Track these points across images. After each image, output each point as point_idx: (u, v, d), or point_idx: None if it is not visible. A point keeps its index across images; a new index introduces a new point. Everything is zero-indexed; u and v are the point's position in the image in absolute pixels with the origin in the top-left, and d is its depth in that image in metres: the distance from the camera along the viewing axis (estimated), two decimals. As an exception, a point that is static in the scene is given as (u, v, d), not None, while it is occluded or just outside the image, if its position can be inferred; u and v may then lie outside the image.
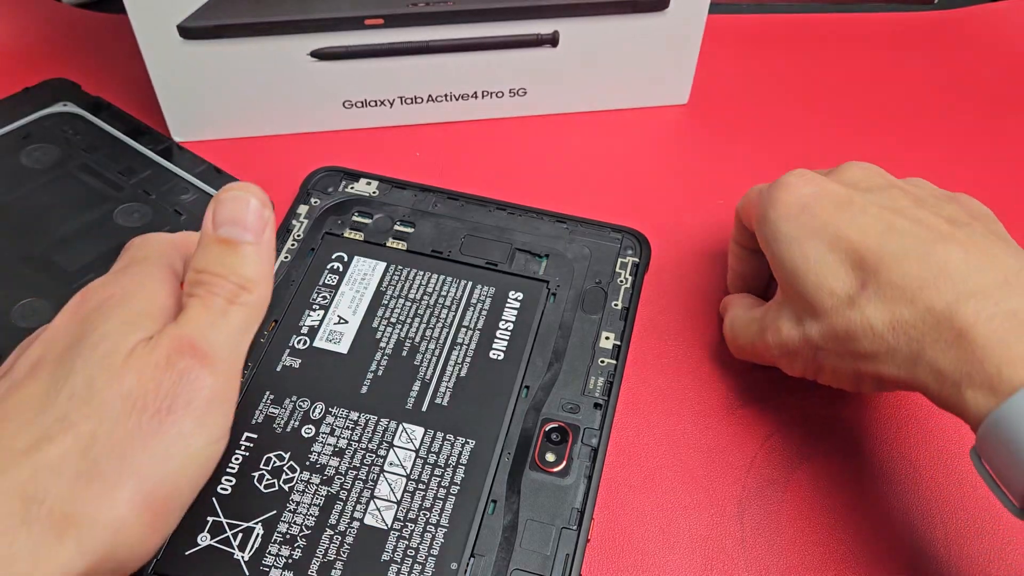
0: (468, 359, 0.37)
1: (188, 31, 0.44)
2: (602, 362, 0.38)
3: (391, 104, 0.49)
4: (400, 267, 0.40)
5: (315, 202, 0.43)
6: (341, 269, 0.40)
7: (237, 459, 0.34)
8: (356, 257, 0.41)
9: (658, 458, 0.37)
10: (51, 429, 0.24)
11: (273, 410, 0.35)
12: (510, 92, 0.49)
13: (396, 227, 0.42)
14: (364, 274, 0.40)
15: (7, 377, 0.26)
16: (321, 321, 0.38)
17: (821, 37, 0.57)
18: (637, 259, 0.41)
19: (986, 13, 0.60)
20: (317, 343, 0.37)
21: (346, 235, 0.42)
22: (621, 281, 0.40)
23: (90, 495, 0.23)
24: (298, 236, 0.41)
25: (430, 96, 0.49)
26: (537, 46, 0.47)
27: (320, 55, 0.46)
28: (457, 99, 0.49)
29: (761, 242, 0.35)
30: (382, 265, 0.40)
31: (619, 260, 0.41)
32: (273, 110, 0.48)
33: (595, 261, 0.41)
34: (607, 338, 0.38)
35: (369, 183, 0.44)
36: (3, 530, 0.22)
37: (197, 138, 0.48)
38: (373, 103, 0.48)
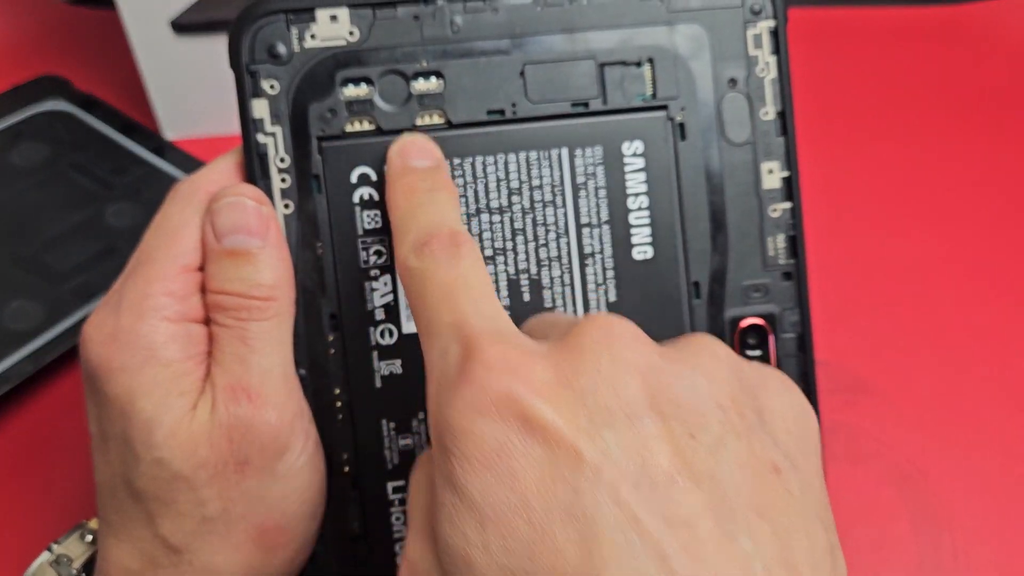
0: (611, 274, 0.28)
1: (183, 26, 0.43)
2: (774, 211, 0.28)
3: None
4: (456, 159, 0.27)
5: (272, 86, 0.28)
6: (375, 196, 0.27)
7: (398, 518, 0.28)
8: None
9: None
10: (152, 512, 0.25)
11: (405, 441, 0.27)
12: None
13: (415, 85, 0.28)
14: None
15: None
16: (393, 291, 0.27)
17: (817, 33, 0.57)
18: (773, 21, 0.29)
19: (988, 10, 0.60)
20: (408, 327, 0.27)
21: (350, 129, 0.27)
22: (761, 70, 0.29)
23: (214, 550, 0.25)
24: (282, 163, 0.27)
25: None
26: None
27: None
28: None
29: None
30: None
31: (748, 32, 0.29)
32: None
33: (716, 44, 0.29)
34: (770, 171, 0.28)
35: (335, 17, 0.27)
36: None
37: (189, 136, 0.48)
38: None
